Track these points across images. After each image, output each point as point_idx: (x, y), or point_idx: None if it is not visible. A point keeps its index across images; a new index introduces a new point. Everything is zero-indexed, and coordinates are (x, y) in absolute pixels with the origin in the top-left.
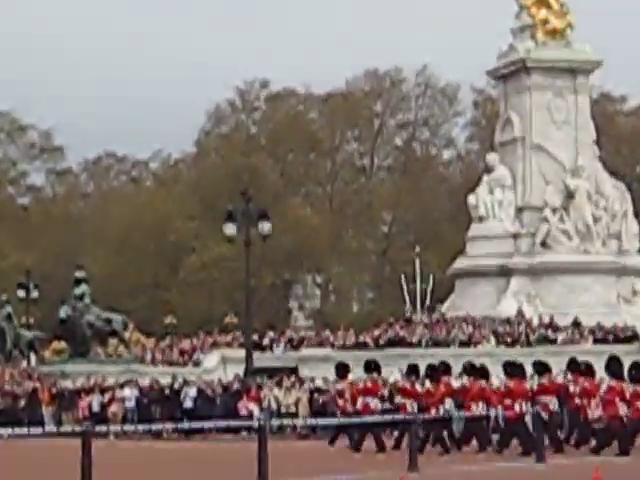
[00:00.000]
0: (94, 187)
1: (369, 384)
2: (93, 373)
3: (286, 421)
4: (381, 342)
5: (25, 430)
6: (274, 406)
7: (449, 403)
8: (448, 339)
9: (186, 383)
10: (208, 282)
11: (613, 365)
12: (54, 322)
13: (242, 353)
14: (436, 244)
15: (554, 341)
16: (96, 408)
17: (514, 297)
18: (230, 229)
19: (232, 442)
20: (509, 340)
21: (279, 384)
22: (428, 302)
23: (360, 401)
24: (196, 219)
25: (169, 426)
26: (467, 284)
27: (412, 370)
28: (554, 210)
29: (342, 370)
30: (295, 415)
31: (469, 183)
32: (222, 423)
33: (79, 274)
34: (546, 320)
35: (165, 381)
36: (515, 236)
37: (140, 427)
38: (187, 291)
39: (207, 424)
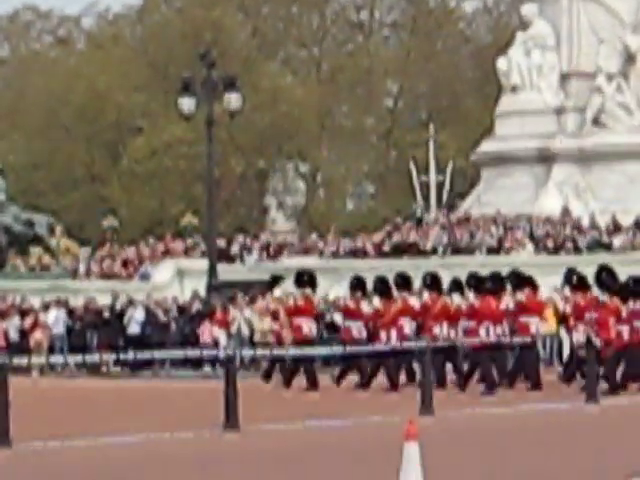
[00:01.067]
0: (9, 51)
1: (300, 302)
2: (10, 291)
3: (261, 352)
4: (384, 249)
5: None
6: (245, 333)
7: (407, 325)
8: (472, 244)
9: (131, 303)
10: (159, 173)
11: None
12: None
13: (204, 264)
14: (456, 122)
15: (609, 246)
16: (14, 336)
17: (558, 190)
18: (187, 104)
19: (191, 379)
20: (551, 246)
21: (252, 303)
22: (445, 198)
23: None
24: (143, 91)
25: (109, 358)
26: (496, 174)
27: (358, 284)
28: (610, 77)
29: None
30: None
31: (498, 43)
32: (178, 354)
33: None
34: (599, 219)
35: (104, 301)
36: (559, 111)
37: (71, 359)
38: (132, 185)
39: (159, 355)
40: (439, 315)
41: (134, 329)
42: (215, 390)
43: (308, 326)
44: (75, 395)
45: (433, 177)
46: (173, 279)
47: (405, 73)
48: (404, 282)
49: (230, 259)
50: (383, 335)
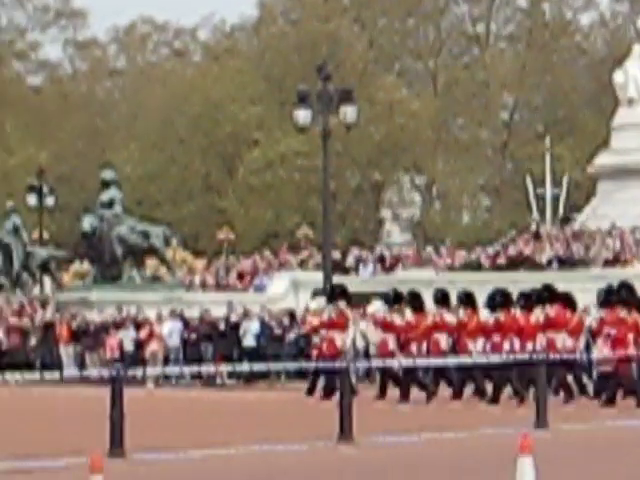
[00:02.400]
0: (126, 63)
1: (333, 316)
2: (125, 302)
3: (376, 363)
4: (500, 262)
5: (37, 375)
6: (360, 344)
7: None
8: (588, 257)
9: (246, 315)
10: (275, 185)
11: None
12: (75, 236)
13: (318, 276)
14: (572, 135)
15: None
16: (129, 347)
17: None
18: (303, 116)
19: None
20: None
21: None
22: (561, 210)
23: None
24: (258, 103)
25: (224, 369)
26: (612, 187)
27: (395, 297)
28: None
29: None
30: None
31: (615, 56)
32: (293, 365)
33: (107, 175)
34: None
35: (219, 313)
36: None
37: (187, 370)
38: (247, 197)
39: (274, 367)
40: (474, 331)
41: (249, 341)
42: (329, 402)
43: (342, 339)
44: (190, 406)
45: (549, 190)
46: (288, 291)
47: (521, 85)
48: (443, 298)
49: (345, 271)
50: (414, 348)
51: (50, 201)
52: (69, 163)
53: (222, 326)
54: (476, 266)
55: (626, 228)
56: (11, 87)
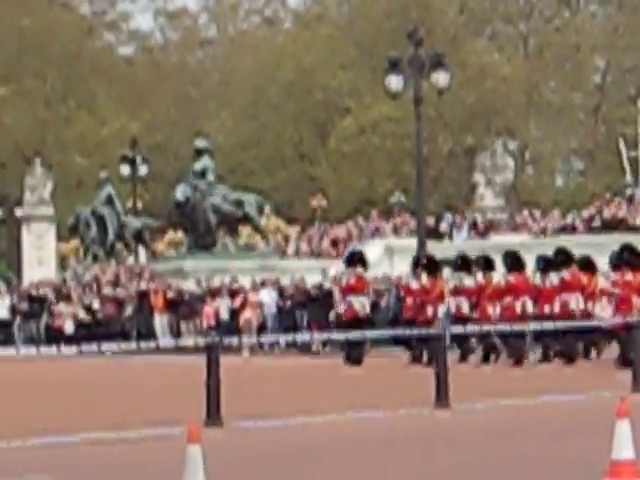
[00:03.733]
0: (217, 32)
1: (352, 281)
2: (220, 271)
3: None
4: (594, 225)
5: (133, 345)
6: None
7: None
8: None
9: (340, 281)
10: (367, 152)
11: None
12: (169, 206)
13: (412, 242)
14: None
15: None
16: (224, 315)
17: None
18: (395, 82)
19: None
20: None
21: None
22: None
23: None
24: (349, 70)
25: (319, 337)
26: None
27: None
28: None
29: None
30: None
31: None
32: (387, 333)
33: (200, 144)
34: None
35: (313, 280)
36: None
37: (282, 339)
38: (340, 164)
39: (370, 334)
40: (492, 295)
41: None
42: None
43: (360, 303)
44: (285, 374)
45: None
46: (382, 257)
47: (613, 48)
48: (464, 263)
49: (439, 237)
50: (429, 311)
51: (143, 171)
52: (162, 133)
53: (316, 293)
54: (570, 229)
55: None
56: (103, 58)
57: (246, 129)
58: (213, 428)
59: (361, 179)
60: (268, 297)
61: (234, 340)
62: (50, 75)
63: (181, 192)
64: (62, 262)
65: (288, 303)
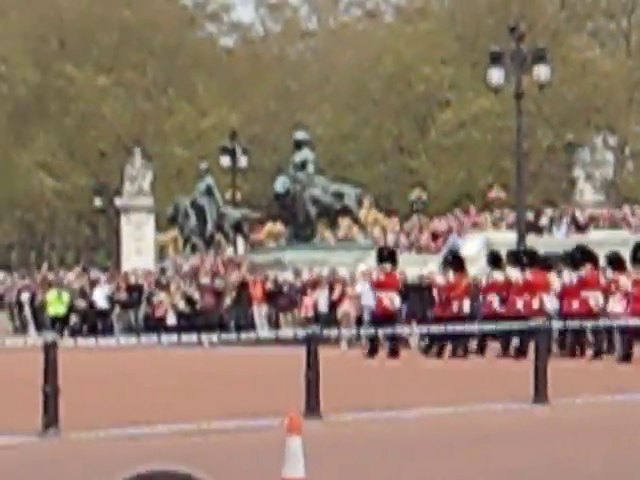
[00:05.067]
0: (318, 24)
1: (382, 277)
2: (319, 262)
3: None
4: None
5: (232, 336)
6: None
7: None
8: None
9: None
10: (467, 145)
11: None
12: (268, 197)
13: (512, 237)
14: None
15: None
16: (323, 307)
17: None
18: (496, 76)
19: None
20: None
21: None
22: None
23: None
24: (450, 64)
25: (418, 330)
26: None
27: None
28: None
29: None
30: None
31: None
32: (488, 327)
33: (300, 136)
34: None
35: (413, 272)
36: None
37: (381, 332)
38: (439, 157)
39: (471, 328)
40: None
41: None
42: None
43: (389, 299)
44: (382, 367)
45: None
46: (482, 252)
47: None
48: (494, 260)
49: (539, 231)
50: (455, 306)
51: (243, 162)
52: (261, 124)
53: (415, 285)
54: None
55: None
56: (204, 49)
57: (346, 122)
58: (312, 420)
59: (460, 173)
60: (366, 289)
61: (333, 332)
62: (151, 66)
63: (281, 184)
64: (160, 252)
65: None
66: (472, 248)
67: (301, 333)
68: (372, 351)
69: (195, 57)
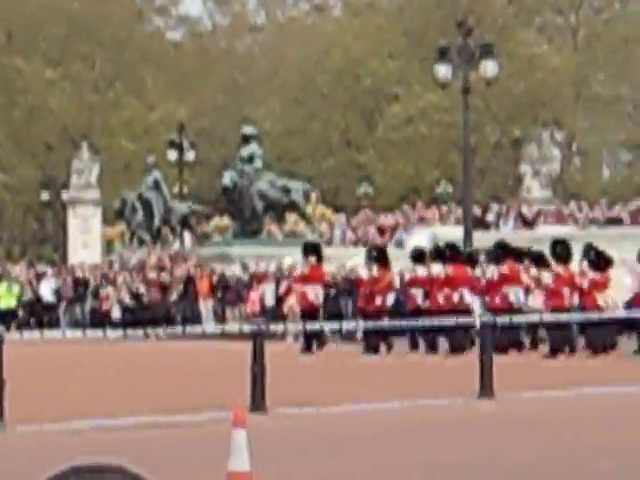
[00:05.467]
0: (266, 18)
1: (307, 271)
2: (266, 257)
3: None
4: None
5: (178, 330)
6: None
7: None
8: None
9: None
10: (414, 140)
11: None
12: (215, 192)
13: (459, 232)
14: None
15: None
16: (270, 302)
17: None
18: (443, 71)
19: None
20: None
21: None
22: None
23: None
24: (398, 58)
25: (364, 325)
26: None
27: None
28: None
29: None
30: None
31: None
32: (432, 323)
33: (247, 130)
34: None
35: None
36: None
37: (327, 327)
38: (387, 152)
39: (425, 322)
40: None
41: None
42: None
43: (314, 293)
44: (329, 361)
45: None
46: (428, 246)
47: None
48: (418, 255)
49: (485, 227)
50: (378, 301)
51: (190, 156)
52: (209, 118)
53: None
54: (617, 221)
55: None
56: (151, 43)
57: (293, 116)
58: (257, 414)
59: (408, 167)
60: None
61: (279, 327)
62: (99, 59)
63: (228, 178)
64: (107, 246)
65: (333, 290)
66: (419, 243)
67: (247, 327)
68: (307, 347)
69: (143, 51)
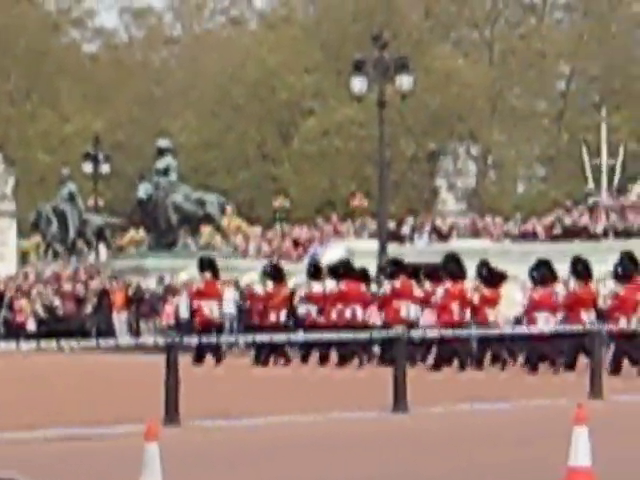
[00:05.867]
0: (182, 31)
1: (202, 286)
2: (181, 270)
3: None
4: (555, 232)
5: (93, 342)
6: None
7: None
8: None
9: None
10: (330, 153)
11: None
12: (131, 204)
13: (374, 245)
14: (628, 105)
15: None
16: (184, 314)
17: None
18: (359, 84)
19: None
20: None
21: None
22: (617, 181)
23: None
24: (314, 72)
25: (280, 338)
26: None
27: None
28: None
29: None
30: None
31: None
32: (347, 336)
33: (163, 143)
34: None
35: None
36: None
37: (242, 340)
38: (302, 165)
39: (330, 336)
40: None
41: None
42: (385, 373)
43: (210, 309)
44: (244, 374)
45: (605, 160)
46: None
47: (578, 56)
48: (314, 271)
49: (400, 240)
50: (273, 316)
51: (105, 168)
52: (125, 131)
53: None
54: (531, 235)
55: None
56: (67, 55)
57: (209, 129)
58: (171, 427)
59: (323, 181)
60: (228, 297)
61: (194, 340)
62: (14, 71)
63: (143, 190)
64: (23, 258)
65: (248, 304)
66: (334, 256)
67: (161, 340)
68: (198, 358)
69: (59, 63)
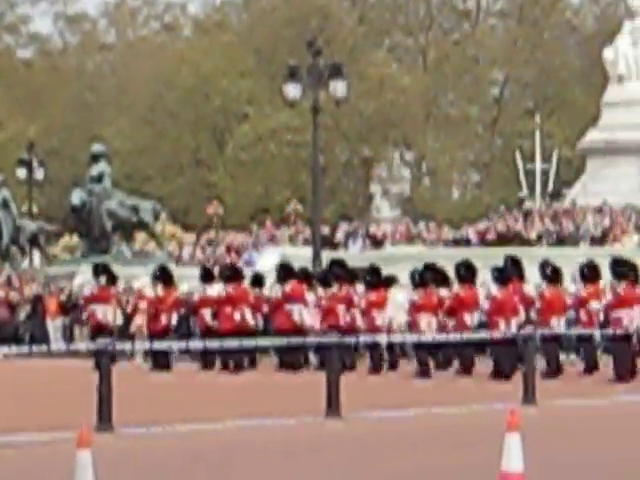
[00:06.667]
0: (116, 37)
1: (96, 291)
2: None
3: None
4: (488, 238)
5: (26, 349)
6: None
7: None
8: (577, 235)
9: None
10: (264, 159)
11: None
12: (65, 210)
13: (308, 251)
14: (562, 111)
15: None
16: (118, 321)
17: None
18: (293, 90)
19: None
20: None
21: None
22: (551, 187)
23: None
24: (248, 77)
25: (215, 345)
26: (602, 164)
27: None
28: None
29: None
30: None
31: (605, 33)
32: (280, 341)
33: (97, 149)
34: None
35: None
36: None
37: (175, 345)
38: (237, 171)
39: (276, 342)
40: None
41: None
42: (319, 379)
43: (103, 313)
44: (177, 381)
45: (539, 166)
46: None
47: (511, 62)
48: (206, 275)
49: (334, 246)
50: (164, 320)
51: (39, 174)
52: (59, 137)
53: None
54: (465, 242)
55: (616, 205)
56: (1, 60)
57: (143, 135)
58: (104, 434)
59: (258, 187)
60: None
61: (127, 346)
62: None
63: (77, 196)
64: None
65: (182, 310)
66: (268, 263)
67: (93, 346)
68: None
69: None
